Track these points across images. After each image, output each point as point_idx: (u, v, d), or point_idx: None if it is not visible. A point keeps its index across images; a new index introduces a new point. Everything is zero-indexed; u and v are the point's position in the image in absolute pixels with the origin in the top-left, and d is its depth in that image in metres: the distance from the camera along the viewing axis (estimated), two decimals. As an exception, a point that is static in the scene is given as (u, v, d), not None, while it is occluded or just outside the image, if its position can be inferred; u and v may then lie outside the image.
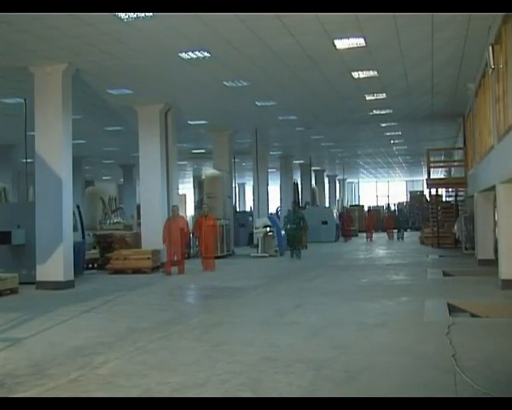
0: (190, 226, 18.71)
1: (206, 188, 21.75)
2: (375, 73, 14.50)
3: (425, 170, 31.62)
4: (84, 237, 15.45)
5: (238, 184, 43.98)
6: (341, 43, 11.95)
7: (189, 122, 20.68)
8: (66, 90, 13.06)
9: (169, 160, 17.69)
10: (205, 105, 18.13)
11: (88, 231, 17.98)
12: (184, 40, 11.39)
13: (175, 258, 15.58)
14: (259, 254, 20.33)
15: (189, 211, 36.14)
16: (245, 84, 15.19)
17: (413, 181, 54.89)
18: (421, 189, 47.27)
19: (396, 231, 31.03)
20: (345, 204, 40.91)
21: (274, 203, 37.65)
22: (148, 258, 16.06)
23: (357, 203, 48.49)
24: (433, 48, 12.52)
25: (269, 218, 22.15)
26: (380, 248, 25.35)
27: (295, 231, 19.71)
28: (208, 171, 23.11)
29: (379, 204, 49.89)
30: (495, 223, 14.18)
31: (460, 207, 24.09)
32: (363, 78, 14.91)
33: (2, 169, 23.38)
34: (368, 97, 17.43)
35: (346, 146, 31.09)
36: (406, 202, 46.76)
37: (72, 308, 10.10)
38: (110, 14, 9.63)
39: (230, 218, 22.32)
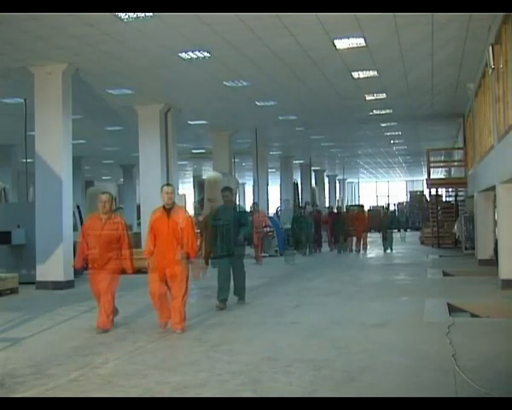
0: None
1: (208, 190, 21.63)
2: (375, 73, 14.49)
3: (425, 170, 31.59)
4: (84, 238, 15.40)
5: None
6: (341, 43, 11.96)
7: (189, 122, 20.68)
8: (66, 90, 13.05)
9: (169, 160, 17.68)
10: (205, 105, 18.12)
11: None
12: (184, 40, 11.38)
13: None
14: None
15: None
16: (245, 84, 15.19)
17: (413, 181, 54.87)
18: (421, 189, 47.25)
19: (396, 231, 30.42)
20: (325, 205, 37.55)
21: (274, 203, 37.59)
22: (148, 258, 15.99)
23: (357, 203, 48.44)
24: (433, 48, 12.52)
25: (269, 218, 22.10)
26: (379, 248, 25.28)
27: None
28: (209, 173, 22.99)
29: (379, 204, 49.87)
30: (495, 223, 14.18)
31: (460, 207, 24.09)
32: (363, 78, 14.91)
33: (2, 169, 23.36)
34: (368, 97, 17.42)
35: (346, 146, 31.08)
36: (406, 201, 46.71)
37: (72, 308, 10.09)
38: (110, 14, 9.64)
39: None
